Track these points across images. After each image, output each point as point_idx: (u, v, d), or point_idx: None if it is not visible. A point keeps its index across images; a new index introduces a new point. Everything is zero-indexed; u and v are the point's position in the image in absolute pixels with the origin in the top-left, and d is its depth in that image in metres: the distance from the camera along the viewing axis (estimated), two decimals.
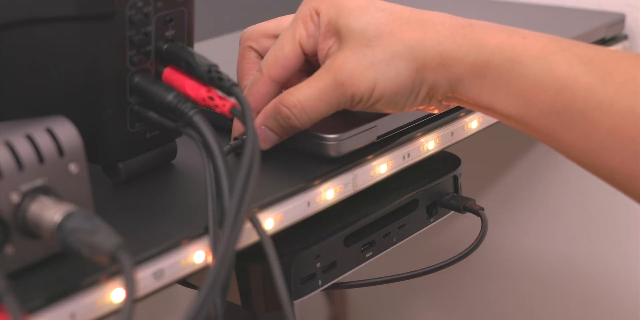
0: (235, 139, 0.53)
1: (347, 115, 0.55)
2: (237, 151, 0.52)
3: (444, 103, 0.52)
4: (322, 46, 0.51)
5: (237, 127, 0.53)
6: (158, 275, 0.43)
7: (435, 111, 0.54)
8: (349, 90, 0.49)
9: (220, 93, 0.48)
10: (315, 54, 0.52)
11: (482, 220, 0.61)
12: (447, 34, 0.49)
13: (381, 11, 0.50)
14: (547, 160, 0.92)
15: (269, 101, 0.52)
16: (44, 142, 0.41)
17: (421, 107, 0.52)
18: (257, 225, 0.46)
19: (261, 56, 0.56)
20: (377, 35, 0.49)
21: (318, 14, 0.51)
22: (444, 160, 0.63)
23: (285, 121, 0.51)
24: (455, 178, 0.62)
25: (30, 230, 0.40)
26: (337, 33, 0.50)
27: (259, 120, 0.52)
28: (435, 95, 0.50)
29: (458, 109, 0.61)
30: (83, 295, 0.40)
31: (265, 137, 0.52)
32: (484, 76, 0.48)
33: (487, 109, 0.50)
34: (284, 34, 0.52)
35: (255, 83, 0.52)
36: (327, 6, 0.51)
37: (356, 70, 0.49)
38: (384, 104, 0.50)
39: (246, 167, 0.43)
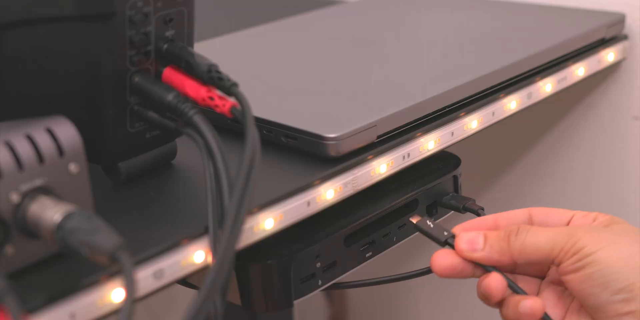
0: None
1: (347, 115, 0.55)
2: None
3: None
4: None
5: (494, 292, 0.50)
6: (158, 275, 0.43)
7: None
8: (578, 234, 0.48)
9: (220, 93, 0.48)
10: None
11: None
12: None
13: None
14: (547, 160, 0.92)
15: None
16: (44, 142, 0.41)
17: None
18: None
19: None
20: None
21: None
22: (444, 160, 0.63)
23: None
24: (455, 178, 0.62)
25: (30, 230, 0.40)
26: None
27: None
28: None
29: (458, 108, 0.61)
30: (83, 295, 0.40)
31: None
32: None
33: None
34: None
35: None
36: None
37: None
38: (594, 274, 0.47)
39: (246, 167, 0.43)
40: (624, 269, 0.46)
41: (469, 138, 0.62)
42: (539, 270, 0.53)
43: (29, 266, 0.42)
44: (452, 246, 0.51)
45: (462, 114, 0.61)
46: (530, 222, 0.53)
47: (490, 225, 0.53)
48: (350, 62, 0.67)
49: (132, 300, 0.37)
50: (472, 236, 0.51)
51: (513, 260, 0.50)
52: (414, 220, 0.54)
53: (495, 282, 0.49)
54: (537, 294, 0.52)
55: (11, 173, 0.40)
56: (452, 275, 0.51)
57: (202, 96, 0.48)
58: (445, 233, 0.52)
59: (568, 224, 0.52)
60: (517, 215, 0.53)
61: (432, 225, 0.53)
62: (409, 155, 0.57)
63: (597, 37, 0.74)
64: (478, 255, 0.50)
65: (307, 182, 0.51)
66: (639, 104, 0.81)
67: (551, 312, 0.50)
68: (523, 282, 0.52)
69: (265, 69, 0.66)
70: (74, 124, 0.42)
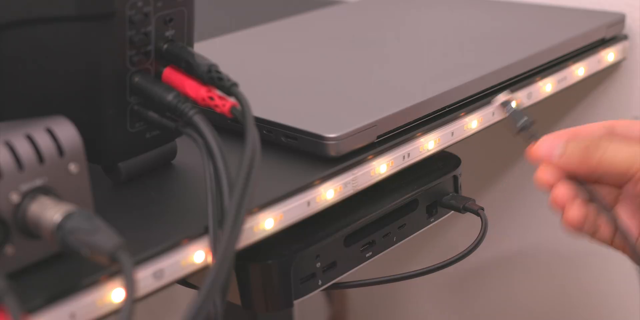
0: None
1: (347, 115, 0.55)
2: None
3: None
4: None
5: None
6: (158, 275, 0.43)
7: None
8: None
9: (220, 93, 0.48)
10: None
11: (482, 220, 0.61)
12: None
13: None
14: None
15: None
16: (44, 142, 0.41)
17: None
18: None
19: None
20: None
21: None
22: (444, 160, 0.63)
23: None
24: (455, 178, 0.62)
25: (30, 230, 0.40)
26: None
27: None
28: None
29: (458, 108, 0.61)
30: (83, 295, 0.40)
31: None
32: None
33: None
34: None
35: None
36: None
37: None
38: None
39: (246, 167, 0.43)
40: None
41: (469, 138, 0.62)
42: (617, 182, 0.52)
43: (29, 266, 0.42)
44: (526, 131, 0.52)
45: (462, 114, 0.61)
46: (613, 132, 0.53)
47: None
48: (351, 62, 0.67)
49: (132, 300, 0.37)
50: (553, 142, 0.51)
51: (590, 172, 0.50)
52: (503, 98, 0.54)
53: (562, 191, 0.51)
54: (615, 204, 0.53)
55: (11, 173, 0.40)
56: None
57: (202, 96, 0.48)
58: (525, 118, 0.53)
59: None
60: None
61: (513, 109, 0.53)
62: (409, 155, 0.57)
63: (597, 37, 0.74)
64: (556, 162, 0.51)
65: (307, 182, 0.51)
66: (639, 104, 0.81)
67: (628, 222, 0.51)
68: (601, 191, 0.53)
69: (265, 69, 0.66)
70: (74, 124, 0.42)
